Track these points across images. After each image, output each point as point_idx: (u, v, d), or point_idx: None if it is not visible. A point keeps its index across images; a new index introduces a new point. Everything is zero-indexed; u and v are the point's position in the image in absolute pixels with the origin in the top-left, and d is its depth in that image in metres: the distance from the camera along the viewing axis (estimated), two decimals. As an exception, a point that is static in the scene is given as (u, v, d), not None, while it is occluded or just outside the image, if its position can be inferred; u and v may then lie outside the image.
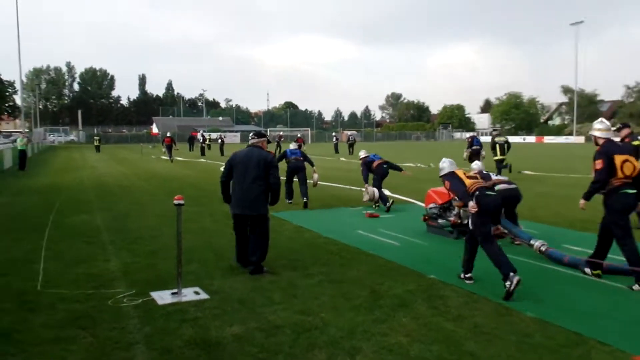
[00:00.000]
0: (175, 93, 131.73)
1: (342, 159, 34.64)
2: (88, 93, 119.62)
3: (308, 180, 13.47)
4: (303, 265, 7.15)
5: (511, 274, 5.80)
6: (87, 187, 17.68)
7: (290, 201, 13.00)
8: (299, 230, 9.69)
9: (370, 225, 10.14)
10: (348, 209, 12.39)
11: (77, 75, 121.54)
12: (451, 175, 6.67)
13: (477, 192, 6.29)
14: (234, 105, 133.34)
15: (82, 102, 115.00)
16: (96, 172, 24.40)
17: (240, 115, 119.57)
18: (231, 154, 6.98)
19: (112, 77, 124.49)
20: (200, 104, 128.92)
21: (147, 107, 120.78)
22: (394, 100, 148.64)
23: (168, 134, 39.39)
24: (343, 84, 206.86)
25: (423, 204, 12.02)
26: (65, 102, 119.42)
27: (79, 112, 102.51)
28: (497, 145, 20.74)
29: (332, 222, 10.53)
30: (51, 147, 66.18)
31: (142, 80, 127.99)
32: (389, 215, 11.36)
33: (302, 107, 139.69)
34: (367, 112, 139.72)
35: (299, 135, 46.16)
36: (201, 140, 44.06)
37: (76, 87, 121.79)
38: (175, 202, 5.83)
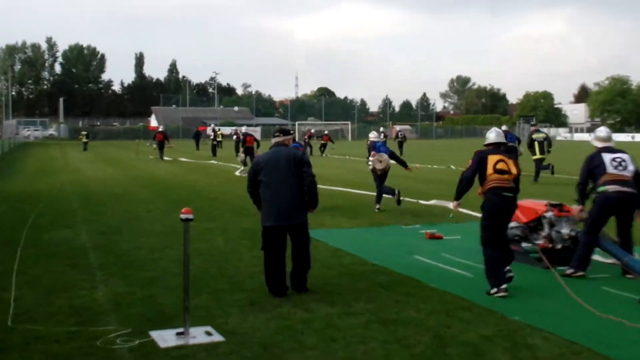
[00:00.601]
0: (180, 77, 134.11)
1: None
2: (72, 76, 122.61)
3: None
4: (344, 300, 7.11)
5: (503, 286, 7.30)
6: (70, 195, 18.12)
7: None
8: (337, 254, 9.66)
9: (432, 249, 10.05)
10: (400, 227, 12.38)
11: (59, 54, 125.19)
12: (481, 156, 7.65)
13: (492, 191, 7.45)
14: (253, 93, 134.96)
15: (64, 87, 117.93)
16: (81, 176, 25.00)
17: (261, 105, 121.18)
18: (254, 160, 7.46)
19: (103, 56, 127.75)
20: (211, 90, 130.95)
21: (145, 94, 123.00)
22: (460, 86, 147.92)
23: (161, 128, 40.40)
24: (394, 65, 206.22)
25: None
26: (45, 87, 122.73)
27: (61, 100, 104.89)
28: (536, 143, 21.30)
29: (381, 244, 10.49)
30: (26, 143, 68.08)
31: (140, 61, 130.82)
32: (455, 236, 11.26)
33: (340, 95, 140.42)
34: (424, 102, 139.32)
35: (325, 132, 46.08)
36: (212, 137, 44.54)
37: (58, 68, 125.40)
38: (182, 216, 5.91)
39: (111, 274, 8.26)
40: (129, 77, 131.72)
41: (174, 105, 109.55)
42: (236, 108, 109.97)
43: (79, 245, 10.40)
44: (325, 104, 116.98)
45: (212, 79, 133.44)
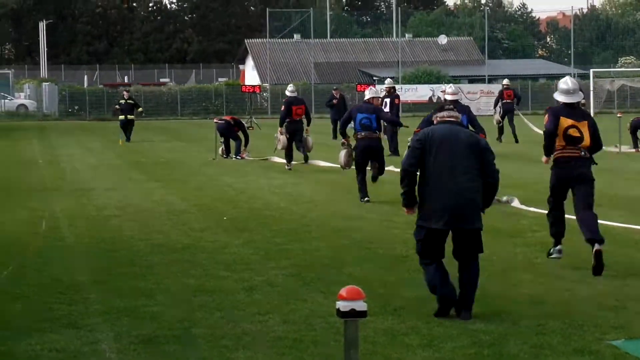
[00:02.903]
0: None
1: None
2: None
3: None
4: None
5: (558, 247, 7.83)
6: (72, 249, 10.21)
7: (366, 199, 12.52)
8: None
9: None
10: None
11: None
12: (555, 115, 7.38)
13: (557, 161, 7.51)
14: (483, 1, 73.05)
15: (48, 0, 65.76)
16: (92, 205, 14.20)
17: (503, 32, 64.97)
18: (421, 131, 6.66)
19: None
20: (382, 1, 71.57)
21: (228, 11, 69.81)
22: None
23: (241, 120, 21.91)
24: None
25: None
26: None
27: (42, 25, 59.53)
28: None
29: None
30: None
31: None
32: None
33: None
34: None
35: (505, 84, 25.08)
36: (387, 110, 23.06)
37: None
38: (342, 304, 3.98)
39: None
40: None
41: (296, 36, 58.55)
42: (443, 39, 58.17)
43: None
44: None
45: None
